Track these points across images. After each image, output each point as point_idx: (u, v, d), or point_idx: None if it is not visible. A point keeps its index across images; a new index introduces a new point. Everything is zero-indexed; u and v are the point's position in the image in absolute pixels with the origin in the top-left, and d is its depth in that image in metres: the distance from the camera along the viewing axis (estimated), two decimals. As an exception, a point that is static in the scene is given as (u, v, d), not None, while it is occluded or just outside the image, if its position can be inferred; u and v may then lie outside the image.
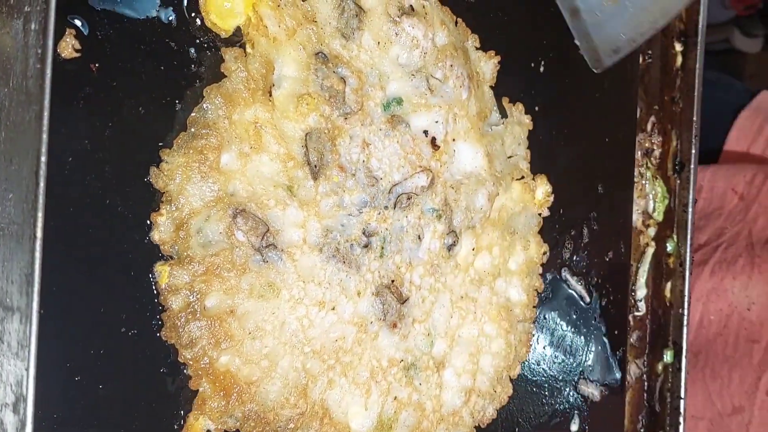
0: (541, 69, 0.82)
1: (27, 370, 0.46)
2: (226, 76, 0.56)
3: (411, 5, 0.66)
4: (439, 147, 0.68)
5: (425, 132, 0.67)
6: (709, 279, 1.07)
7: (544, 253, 0.80)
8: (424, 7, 0.67)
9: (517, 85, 0.78)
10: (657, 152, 0.98)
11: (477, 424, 0.73)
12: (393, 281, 0.65)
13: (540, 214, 0.80)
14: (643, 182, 0.98)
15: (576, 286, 0.86)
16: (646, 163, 0.98)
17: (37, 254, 0.46)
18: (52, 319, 0.47)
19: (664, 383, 0.95)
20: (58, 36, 0.47)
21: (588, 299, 0.88)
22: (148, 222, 0.53)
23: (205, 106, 0.55)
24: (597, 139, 0.90)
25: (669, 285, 0.96)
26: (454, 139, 0.69)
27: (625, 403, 0.95)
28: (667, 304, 0.96)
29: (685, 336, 0.93)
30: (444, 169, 0.68)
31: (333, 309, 0.61)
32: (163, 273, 0.54)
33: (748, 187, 1.13)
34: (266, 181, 0.58)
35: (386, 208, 0.64)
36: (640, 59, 0.97)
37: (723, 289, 1.06)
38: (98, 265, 0.50)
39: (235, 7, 0.57)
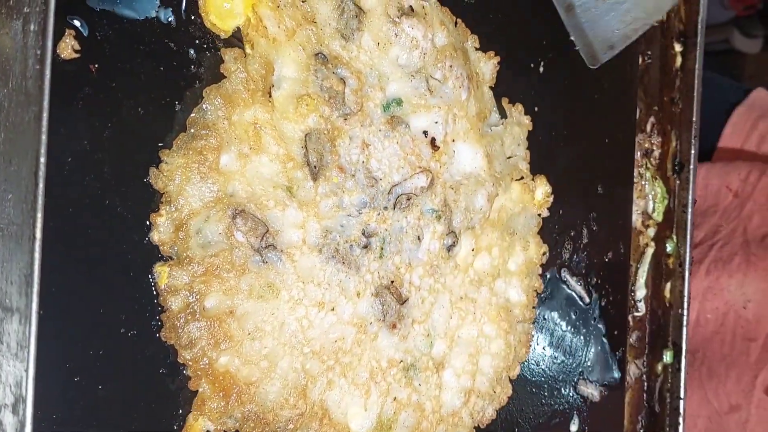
0: (541, 69, 0.82)
1: (26, 371, 0.46)
2: (225, 77, 0.56)
3: (411, 6, 0.66)
4: (438, 148, 0.68)
5: (425, 133, 0.67)
6: (705, 278, 1.07)
7: (544, 254, 0.80)
8: (423, 7, 0.67)
9: (516, 85, 0.78)
10: (656, 153, 0.98)
11: (476, 425, 0.73)
12: (392, 282, 0.65)
13: (539, 215, 0.80)
14: (643, 183, 0.98)
15: (575, 287, 0.86)
16: (646, 164, 0.98)
17: (37, 255, 0.46)
18: (51, 319, 0.47)
19: (664, 384, 0.95)
20: (58, 37, 0.47)
21: (587, 300, 0.88)
22: (148, 223, 0.53)
23: (204, 106, 0.55)
24: (596, 139, 0.91)
25: (668, 285, 0.96)
26: (453, 140, 0.69)
27: (624, 403, 0.95)
28: (667, 305, 0.96)
29: (684, 336, 0.93)
30: (443, 169, 0.68)
31: (332, 310, 0.61)
32: (162, 274, 0.54)
33: (743, 185, 1.14)
34: (266, 182, 0.58)
35: (386, 208, 0.64)
36: (640, 60, 0.97)
37: (719, 288, 1.06)
38: (97, 266, 0.50)
39: (235, 7, 0.57)
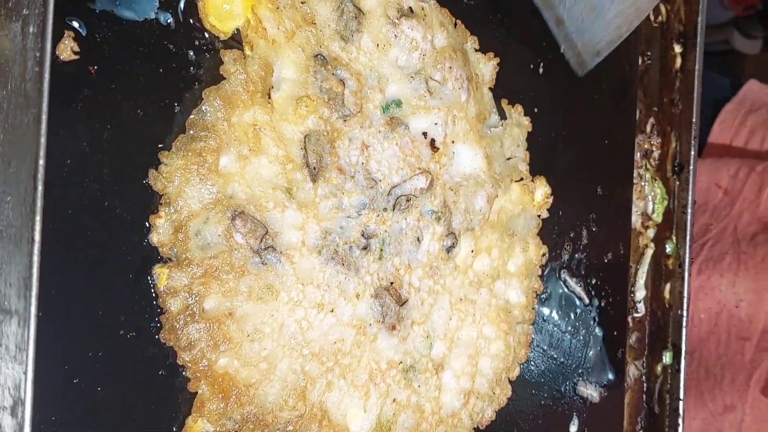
0: (540, 71, 0.82)
1: (25, 373, 0.46)
2: (224, 79, 0.56)
3: (410, 7, 0.66)
4: (438, 149, 0.68)
5: (424, 134, 0.67)
6: (697, 277, 1.07)
7: (543, 255, 0.80)
8: (423, 9, 0.67)
9: (516, 86, 0.78)
10: (656, 153, 0.98)
11: (476, 426, 0.73)
12: (392, 283, 0.65)
13: (539, 216, 0.80)
14: (643, 183, 0.98)
15: (575, 288, 0.86)
16: (646, 165, 0.98)
17: (35, 258, 0.46)
18: (50, 321, 0.47)
19: (663, 384, 0.95)
20: (57, 38, 0.47)
21: (587, 301, 0.88)
22: (147, 224, 0.53)
23: (203, 108, 0.55)
24: (596, 140, 0.91)
25: (668, 286, 0.96)
26: (453, 141, 0.69)
27: (624, 404, 0.95)
28: (666, 306, 0.96)
29: (684, 337, 0.93)
30: (443, 171, 0.68)
31: (332, 311, 0.61)
32: (161, 275, 0.54)
33: (732, 181, 1.13)
34: (265, 184, 0.58)
35: (385, 210, 0.64)
36: (640, 61, 0.97)
37: (710, 287, 1.06)
38: (97, 268, 0.50)
39: (234, 9, 0.57)
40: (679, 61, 0.97)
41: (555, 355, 0.84)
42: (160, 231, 0.54)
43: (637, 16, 0.83)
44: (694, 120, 0.93)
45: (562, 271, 0.85)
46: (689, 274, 0.94)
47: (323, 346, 0.61)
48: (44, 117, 0.47)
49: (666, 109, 0.98)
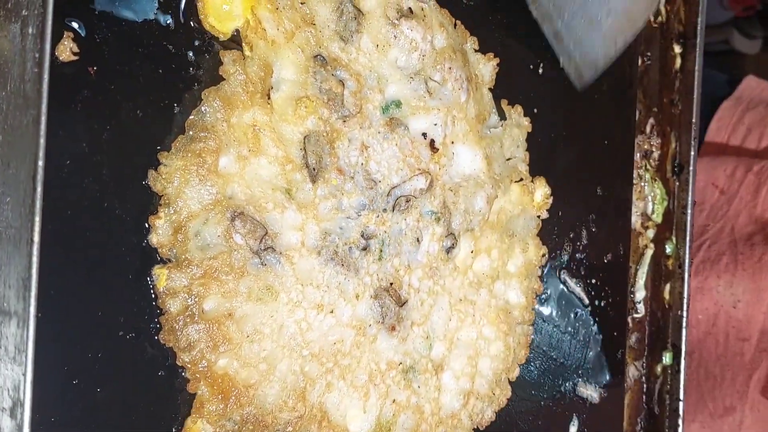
0: (540, 71, 0.82)
1: (24, 374, 0.46)
2: (224, 79, 0.56)
3: (410, 8, 0.66)
4: (437, 150, 0.68)
5: (424, 135, 0.67)
6: (694, 278, 1.07)
7: (543, 256, 0.80)
8: (422, 9, 0.67)
9: (516, 87, 0.78)
10: (656, 154, 0.98)
11: (476, 427, 0.73)
12: (391, 284, 0.65)
13: (539, 217, 0.80)
14: (642, 184, 0.98)
15: (575, 288, 0.86)
16: (645, 165, 0.98)
17: (35, 259, 0.46)
18: (49, 322, 0.47)
19: (663, 385, 0.95)
20: (56, 39, 0.47)
21: (587, 301, 0.88)
22: (146, 225, 0.53)
23: (203, 109, 0.55)
24: (596, 141, 0.90)
25: (668, 287, 0.96)
26: (452, 142, 0.69)
27: (623, 404, 0.95)
28: (666, 306, 0.96)
29: (684, 338, 0.93)
30: (443, 171, 0.68)
31: (331, 312, 0.61)
32: (161, 276, 0.54)
33: (729, 181, 1.13)
34: (265, 184, 0.58)
35: (385, 210, 0.64)
36: (639, 61, 0.97)
37: (708, 288, 1.06)
38: (96, 269, 0.50)
39: (234, 9, 0.57)
40: (678, 61, 0.97)
41: (555, 356, 0.84)
42: (160, 232, 0.54)
43: (631, 29, 0.84)
44: (693, 120, 0.93)
45: (561, 272, 0.85)
46: (689, 275, 0.94)
47: (323, 346, 0.61)
48: (43, 118, 0.47)
49: (666, 110, 0.98)
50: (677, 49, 0.97)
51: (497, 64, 0.75)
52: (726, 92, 1.26)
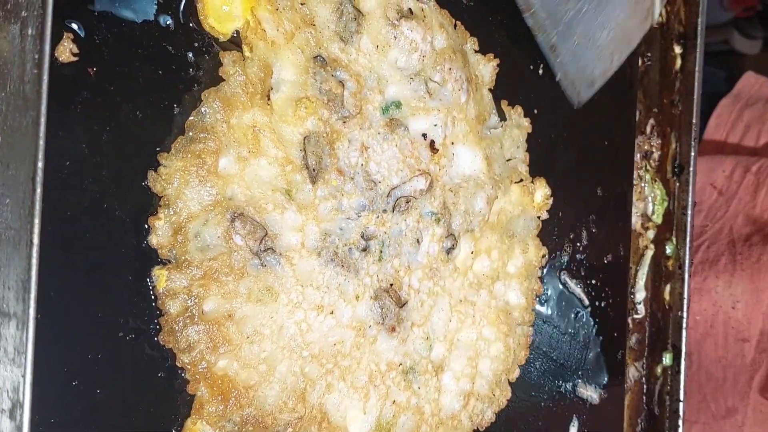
0: (540, 72, 0.82)
1: (24, 376, 0.46)
2: (224, 80, 0.56)
3: (410, 8, 0.65)
4: (437, 150, 0.68)
5: (424, 135, 0.67)
6: (692, 279, 1.06)
7: (543, 256, 0.80)
8: (422, 10, 0.67)
9: (516, 88, 0.78)
10: (656, 155, 0.98)
11: (476, 428, 0.73)
12: (392, 285, 0.65)
13: (539, 217, 0.80)
14: (642, 185, 0.97)
15: (575, 289, 0.86)
16: (645, 166, 0.98)
17: (34, 260, 0.46)
18: (49, 324, 0.47)
19: (663, 386, 0.95)
20: (56, 40, 0.47)
21: (587, 302, 0.88)
22: (146, 226, 0.53)
23: (203, 110, 0.55)
24: (596, 141, 0.90)
25: (668, 288, 0.96)
26: (452, 143, 0.69)
27: (624, 405, 0.95)
28: (666, 307, 0.96)
29: (684, 339, 0.93)
30: (443, 172, 0.68)
31: (331, 313, 0.61)
32: (160, 277, 0.54)
33: (728, 182, 1.13)
34: (264, 185, 0.57)
35: (385, 211, 0.64)
36: (639, 62, 0.97)
37: (707, 289, 1.06)
38: (96, 270, 0.50)
39: (234, 10, 0.57)
40: (679, 62, 0.97)
41: (555, 357, 0.84)
42: (160, 233, 0.54)
43: (628, 46, 0.84)
44: (694, 121, 0.93)
45: (561, 273, 0.85)
46: (689, 276, 0.94)
47: (323, 347, 0.61)
48: (43, 119, 0.46)
49: (666, 110, 0.98)
50: (677, 49, 0.97)
51: (497, 65, 0.75)
52: (724, 89, 1.26)
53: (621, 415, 0.95)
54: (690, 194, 0.94)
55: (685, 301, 0.93)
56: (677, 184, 0.96)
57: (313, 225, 0.60)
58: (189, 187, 0.54)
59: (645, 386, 0.97)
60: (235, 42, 0.57)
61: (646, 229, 0.98)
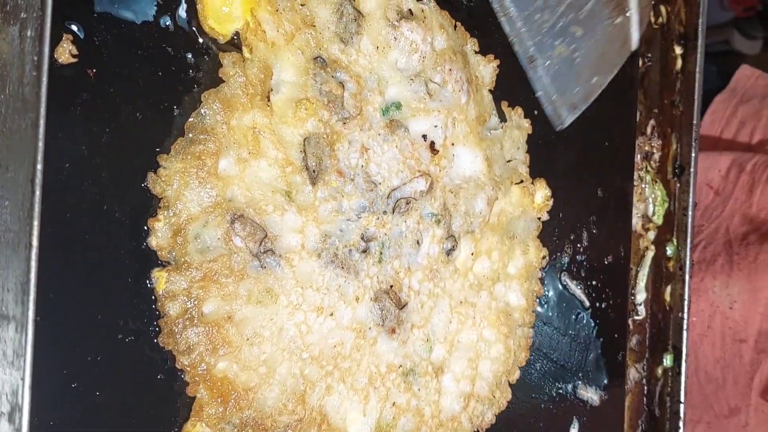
0: (541, 73, 0.81)
1: (23, 379, 0.46)
2: (224, 81, 0.56)
3: (410, 9, 0.65)
4: (438, 151, 0.68)
5: (424, 136, 0.67)
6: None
7: (544, 258, 0.80)
8: (423, 11, 0.66)
9: (516, 89, 0.78)
10: (656, 155, 0.98)
11: (476, 429, 0.73)
12: (392, 286, 0.65)
13: (539, 218, 0.80)
14: (643, 186, 0.97)
15: (575, 290, 0.86)
16: (646, 167, 0.98)
17: (33, 263, 0.46)
18: (48, 326, 0.47)
19: (664, 388, 0.95)
20: (55, 42, 0.47)
21: (587, 303, 0.88)
22: (146, 228, 0.53)
23: (203, 111, 0.55)
24: (596, 142, 0.90)
25: (669, 289, 0.96)
26: (453, 144, 0.69)
27: (624, 407, 0.95)
28: (667, 308, 0.96)
29: (684, 340, 0.92)
30: (443, 173, 0.68)
31: (331, 315, 0.61)
32: (160, 279, 0.54)
33: (724, 182, 1.13)
34: (264, 187, 0.57)
35: (385, 213, 0.64)
36: (640, 62, 0.97)
37: (704, 289, 1.05)
38: (95, 272, 0.50)
39: (234, 11, 0.57)
40: (679, 62, 0.97)
41: (555, 358, 0.84)
42: (159, 234, 0.54)
43: (609, 71, 0.84)
44: (694, 122, 0.93)
45: (562, 274, 0.85)
46: (690, 277, 0.94)
47: (323, 349, 0.60)
48: (42, 121, 0.46)
49: (666, 111, 0.97)
50: (678, 50, 0.97)
51: (497, 66, 0.75)
52: (716, 85, 1.26)
53: (621, 417, 0.95)
54: (691, 195, 0.94)
55: (686, 302, 0.93)
56: (678, 185, 0.96)
57: (313, 226, 0.60)
58: (189, 189, 0.54)
59: (646, 388, 0.97)
60: (235, 43, 0.57)
61: (647, 230, 0.98)
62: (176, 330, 0.54)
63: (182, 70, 0.55)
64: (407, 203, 0.65)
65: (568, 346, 0.86)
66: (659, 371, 0.95)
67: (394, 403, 0.65)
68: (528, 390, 0.81)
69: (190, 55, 0.55)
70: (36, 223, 0.46)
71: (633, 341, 0.97)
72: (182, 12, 0.55)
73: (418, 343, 0.67)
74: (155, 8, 0.53)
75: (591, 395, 0.88)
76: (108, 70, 0.50)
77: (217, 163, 0.55)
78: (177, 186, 0.54)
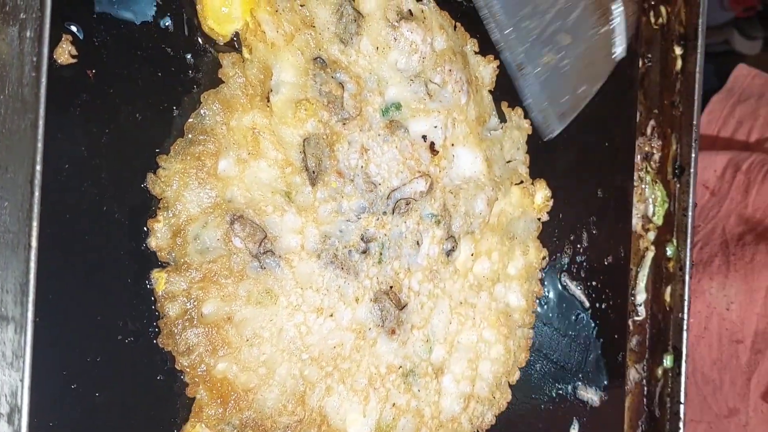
0: (541, 73, 0.81)
1: (22, 380, 0.46)
2: (223, 82, 0.56)
3: (410, 10, 0.65)
4: (437, 152, 0.67)
5: (424, 137, 0.67)
6: None
7: (544, 258, 0.80)
8: (422, 11, 0.66)
9: (516, 89, 0.78)
10: (656, 156, 0.98)
11: (476, 430, 0.73)
12: (391, 287, 0.65)
13: (539, 219, 0.80)
14: (643, 186, 0.97)
15: (575, 291, 0.86)
16: (646, 167, 0.98)
17: (32, 264, 0.46)
18: (47, 327, 0.47)
19: (664, 388, 0.95)
20: (54, 42, 0.47)
21: (587, 304, 0.88)
22: (145, 229, 0.53)
23: (202, 112, 0.55)
24: (596, 143, 0.90)
25: (669, 289, 0.96)
26: (453, 144, 0.69)
27: (624, 408, 0.95)
28: (667, 309, 0.96)
29: (684, 340, 0.92)
30: (443, 174, 0.68)
31: (331, 315, 0.61)
32: (160, 280, 0.54)
33: (719, 182, 1.13)
34: (264, 187, 0.57)
35: (385, 213, 0.64)
36: (640, 63, 0.97)
37: (700, 291, 1.05)
38: (94, 273, 0.50)
39: (233, 12, 0.57)
40: (679, 63, 0.97)
41: (555, 359, 0.84)
42: (159, 235, 0.53)
43: (596, 80, 0.84)
44: (694, 122, 0.93)
45: (562, 275, 0.85)
46: (690, 277, 0.93)
47: (322, 350, 0.60)
48: (41, 122, 0.46)
49: (666, 111, 0.97)
50: (678, 50, 0.97)
51: (497, 67, 0.75)
52: (712, 85, 1.26)
53: (621, 418, 0.95)
54: (690, 196, 0.94)
55: (686, 303, 0.93)
56: (678, 185, 0.95)
57: (313, 227, 0.60)
58: (188, 190, 0.54)
59: (646, 388, 0.97)
60: (235, 44, 0.57)
61: (647, 230, 0.97)
62: (176, 331, 0.54)
63: (182, 70, 0.55)
64: (407, 204, 0.65)
65: (568, 346, 0.86)
66: (659, 372, 0.95)
67: (394, 404, 0.65)
68: (528, 391, 0.81)
69: (189, 56, 0.55)
70: (35, 224, 0.46)
71: (633, 342, 0.96)
72: (182, 13, 0.55)
73: (418, 343, 0.67)
74: (155, 9, 0.53)
75: (591, 396, 0.88)
76: (107, 71, 0.50)
77: (216, 163, 0.55)
78: (176, 187, 0.54)
